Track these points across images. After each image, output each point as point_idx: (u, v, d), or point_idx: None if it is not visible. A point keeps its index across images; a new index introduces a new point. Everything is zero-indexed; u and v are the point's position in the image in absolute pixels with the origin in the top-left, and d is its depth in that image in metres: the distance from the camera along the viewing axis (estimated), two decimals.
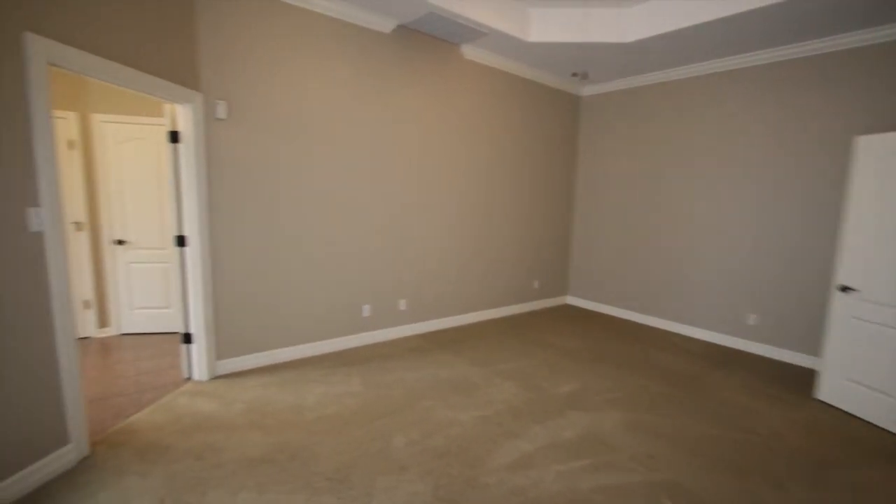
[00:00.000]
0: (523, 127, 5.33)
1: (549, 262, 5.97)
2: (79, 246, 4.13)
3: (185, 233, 3.19)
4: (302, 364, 3.72)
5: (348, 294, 4.11)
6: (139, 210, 4.24)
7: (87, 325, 4.26)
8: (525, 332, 4.85)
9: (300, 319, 3.84)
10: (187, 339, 3.34)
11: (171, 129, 3.11)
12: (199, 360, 3.35)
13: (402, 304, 4.52)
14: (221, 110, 3.22)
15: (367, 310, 4.25)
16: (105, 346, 4.09)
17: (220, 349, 3.46)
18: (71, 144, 4.00)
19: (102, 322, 4.32)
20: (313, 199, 3.77)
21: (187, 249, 3.21)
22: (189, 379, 3.38)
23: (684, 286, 4.97)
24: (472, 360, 3.93)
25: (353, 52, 3.83)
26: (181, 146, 3.10)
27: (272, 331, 3.70)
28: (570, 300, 6.27)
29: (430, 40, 4.31)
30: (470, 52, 4.60)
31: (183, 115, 3.07)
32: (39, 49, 2.05)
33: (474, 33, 4.13)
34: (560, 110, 5.71)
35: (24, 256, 2.04)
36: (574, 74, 5.27)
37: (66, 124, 3.96)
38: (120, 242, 4.24)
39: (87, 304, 4.23)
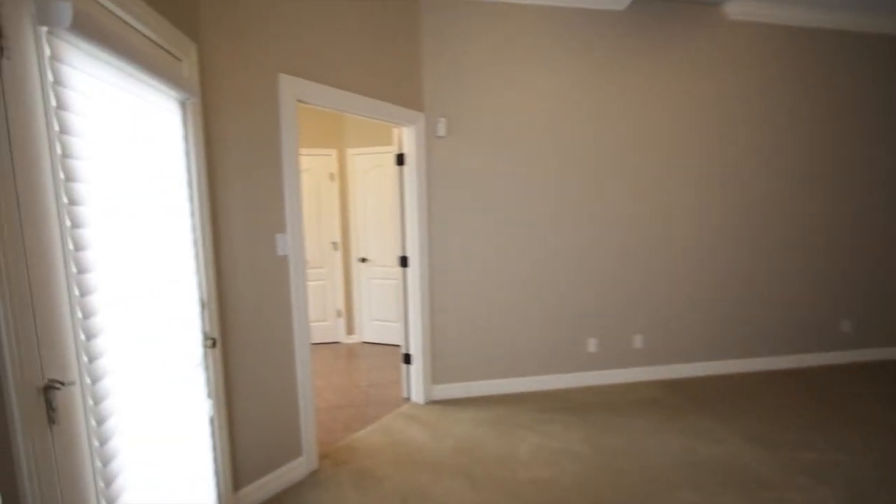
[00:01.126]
0: (825, 98, 3.73)
1: (870, 294, 4.02)
2: (334, 263, 4.81)
3: (408, 253, 3.21)
4: (515, 400, 3.31)
5: (572, 324, 3.52)
6: (378, 231, 4.67)
7: (339, 331, 4.91)
8: (830, 398, 3.27)
9: (516, 350, 3.46)
10: (407, 359, 3.36)
11: (397, 151, 3.20)
12: (416, 381, 3.32)
13: (638, 341, 3.65)
14: (441, 128, 3.15)
15: (593, 344, 3.57)
16: (350, 351, 4.61)
17: (436, 373, 3.37)
18: (332, 177, 4.71)
19: (349, 329, 4.92)
20: (533, 216, 3.37)
21: (409, 270, 3.23)
22: (407, 399, 3.38)
23: None
24: (748, 435, 2.77)
25: (576, 45, 3.29)
26: (406, 168, 3.14)
27: (486, 360, 3.43)
28: None
29: (679, 7, 3.40)
30: (737, 8, 3.45)
31: (407, 137, 3.10)
32: (289, 87, 2.24)
33: None
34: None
35: (273, 277, 2.23)
36: None
37: (328, 160, 4.69)
38: (363, 260, 4.75)
39: (339, 314, 4.88)
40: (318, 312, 4.85)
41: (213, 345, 1.81)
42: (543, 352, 3.51)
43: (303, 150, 4.63)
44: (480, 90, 3.21)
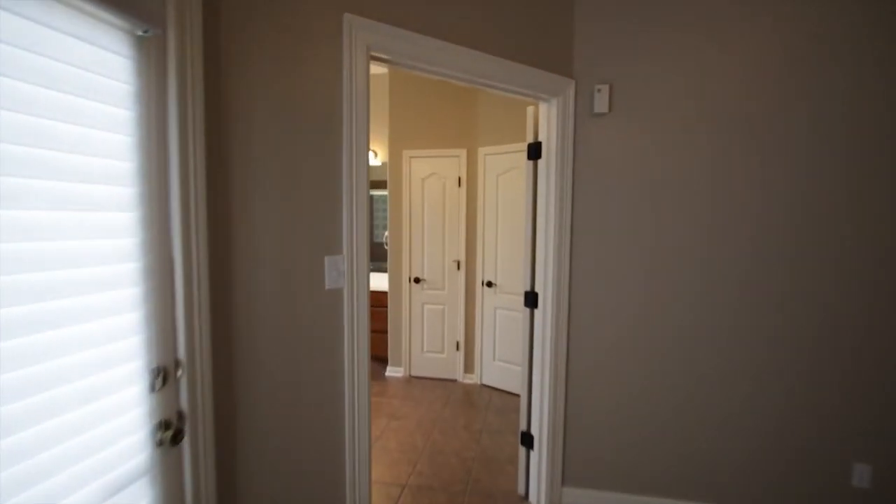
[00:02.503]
0: None
1: None
2: (457, 285, 4.02)
3: (537, 288, 2.19)
4: None
5: (820, 435, 2.02)
6: (509, 249, 3.71)
7: (456, 367, 4.09)
8: None
9: (707, 461, 2.11)
10: (527, 440, 2.32)
11: (531, 140, 2.22)
12: (537, 477, 2.25)
13: None
14: (601, 102, 2.05)
15: (861, 474, 1.99)
16: (465, 395, 3.74)
17: (568, 470, 2.25)
18: (460, 181, 3.94)
19: (468, 366, 4.06)
20: (741, 247, 2.01)
21: (538, 313, 2.20)
22: (524, 499, 2.33)
23: None
24: None
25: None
26: (541, 163, 2.13)
27: (652, 465, 2.17)
28: None
29: None
30: None
31: (547, 117, 2.09)
32: (359, 34, 1.47)
33: None
34: None
35: (317, 323, 1.48)
36: None
37: (456, 163, 3.94)
38: (489, 284, 3.85)
39: (457, 346, 4.07)
40: (435, 342, 4.12)
41: (176, 438, 1.10)
42: (760, 474, 2.07)
43: (427, 151, 3.97)
44: (667, 48, 2.02)
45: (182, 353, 1.12)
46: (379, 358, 4.46)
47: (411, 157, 4.04)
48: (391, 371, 4.23)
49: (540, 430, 2.22)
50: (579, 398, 2.21)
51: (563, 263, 2.10)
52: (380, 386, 3.93)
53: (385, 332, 4.30)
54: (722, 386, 2.07)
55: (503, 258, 3.75)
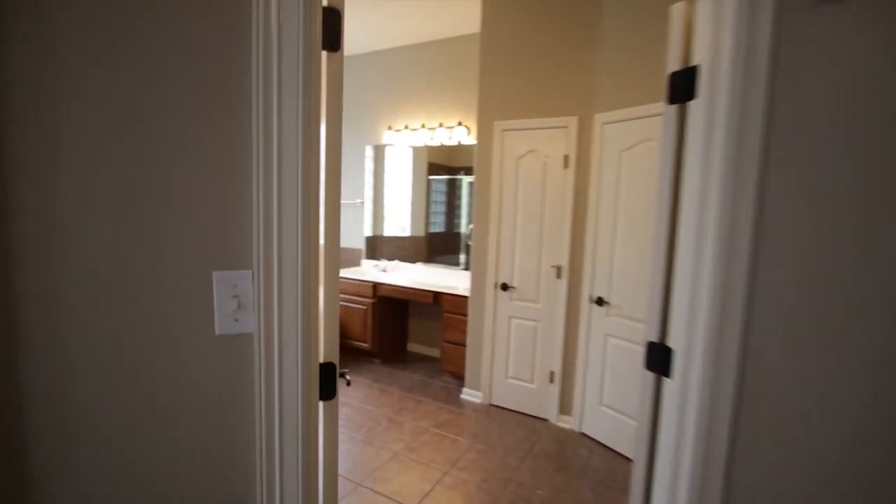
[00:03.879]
0: None
1: None
2: (555, 297, 3.07)
3: (671, 341, 1.19)
4: None
5: None
6: (632, 256, 2.63)
7: (548, 403, 3.15)
8: None
9: None
10: None
11: (676, 66, 1.20)
12: None
13: None
14: None
15: None
16: (557, 447, 2.81)
17: None
18: (566, 161, 2.96)
19: (564, 406, 3.09)
20: None
21: (670, 385, 1.20)
22: None
23: None
24: None
25: None
26: (695, 107, 1.11)
27: None
28: None
29: None
30: None
31: (711, 19, 1.07)
32: None
33: None
34: None
35: (198, 394, 0.78)
36: None
37: (563, 136, 2.95)
38: (599, 302, 2.82)
39: (551, 377, 3.13)
40: (523, 367, 3.23)
41: None
42: None
43: (524, 121, 3.06)
44: None
45: None
46: (455, 375, 3.73)
47: (504, 131, 3.16)
48: (468, 394, 3.47)
49: None
50: None
51: (734, 298, 1.06)
52: (450, 413, 3.20)
53: (463, 344, 3.54)
54: None
55: (623, 268, 2.69)
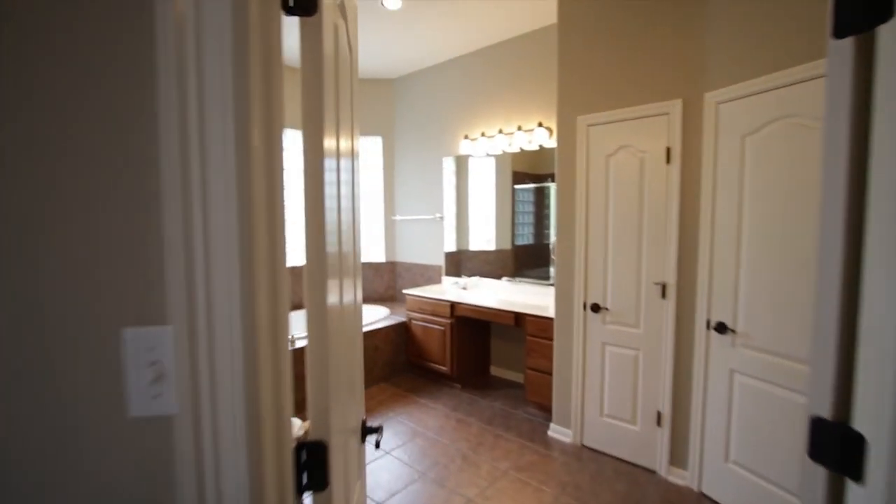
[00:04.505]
0: None
1: None
2: (660, 320, 2.51)
3: (859, 422, 0.72)
4: None
5: None
6: (766, 271, 2.02)
7: (654, 451, 2.58)
8: None
9: None
10: None
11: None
12: None
13: None
14: None
15: None
16: None
17: None
18: (668, 155, 2.43)
19: (676, 456, 2.50)
20: None
21: (857, 491, 0.73)
22: None
23: None
24: None
25: None
26: (883, 36, 0.66)
27: None
28: None
29: None
30: None
31: None
32: None
33: None
34: None
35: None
36: None
37: (664, 124, 2.43)
38: (721, 329, 2.22)
39: (658, 418, 2.56)
40: (621, 404, 2.70)
41: None
42: None
43: (613, 112, 2.60)
44: None
45: None
46: (541, 406, 3.29)
47: (589, 126, 2.72)
48: (555, 431, 3.01)
49: None
50: None
51: None
52: (534, 454, 2.78)
53: (549, 373, 3.10)
54: None
55: (754, 286, 2.08)
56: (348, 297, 0.99)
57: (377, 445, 1.04)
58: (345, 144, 0.98)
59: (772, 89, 1.94)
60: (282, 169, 0.63)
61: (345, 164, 0.97)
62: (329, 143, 0.78)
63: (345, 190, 0.95)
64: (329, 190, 0.77)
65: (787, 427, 1.94)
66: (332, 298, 0.79)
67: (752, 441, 2.11)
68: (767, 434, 2.03)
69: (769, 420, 2.02)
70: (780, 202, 1.93)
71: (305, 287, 0.73)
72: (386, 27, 3.58)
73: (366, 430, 1.11)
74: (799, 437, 1.89)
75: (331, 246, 0.78)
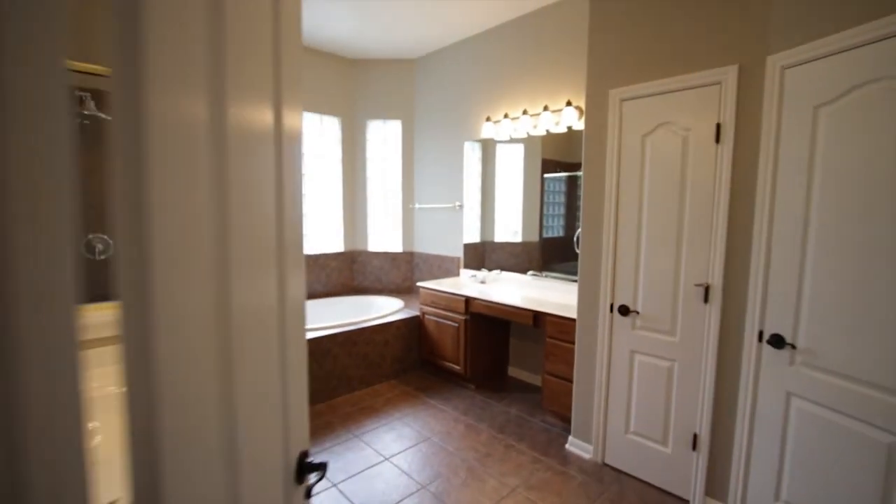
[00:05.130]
0: None
1: None
2: (702, 328, 2.15)
3: None
4: None
5: None
6: (841, 277, 1.63)
7: (689, 477, 2.23)
8: None
9: None
10: None
11: None
12: None
13: None
14: None
15: None
16: None
17: None
18: (718, 133, 2.04)
19: (714, 486, 2.14)
20: None
21: None
22: None
23: None
24: None
25: None
26: None
27: None
28: None
29: None
30: None
31: None
32: None
33: None
34: None
35: None
36: None
37: (714, 96, 2.04)
38: (777, 343, 1.84)
39: (694, 441, 2.20)
40: (650, 422, 2.36)
41: None
42: None
43: (651, 83, 2.23)
44: None
45: None
46: (559, 416, 2.97)
47: (623, 101, 2.36)
48: (574, 445, 2.70)
49: None
50: None
51: None
52: (548, 470, 2.49)
53: (569, 380, 2.78)
54: None
55: (824, 296, 1.69)
56: (254, 296, 0.73)
57: (308, 495, 0.79)
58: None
59: (855, 47, 1.54)
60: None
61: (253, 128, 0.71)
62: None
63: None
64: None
65: (859, 468, 1.56)
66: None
67: (810, 479, 1.74)
68: (831, 472, 1.66)
69: (835, 457, 1.65)
70: (863, 191, 1.54)
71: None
72: (409, 3, 3.31)
73: (304, 467, 0.86)
74: (874, 480, 1.51)
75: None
